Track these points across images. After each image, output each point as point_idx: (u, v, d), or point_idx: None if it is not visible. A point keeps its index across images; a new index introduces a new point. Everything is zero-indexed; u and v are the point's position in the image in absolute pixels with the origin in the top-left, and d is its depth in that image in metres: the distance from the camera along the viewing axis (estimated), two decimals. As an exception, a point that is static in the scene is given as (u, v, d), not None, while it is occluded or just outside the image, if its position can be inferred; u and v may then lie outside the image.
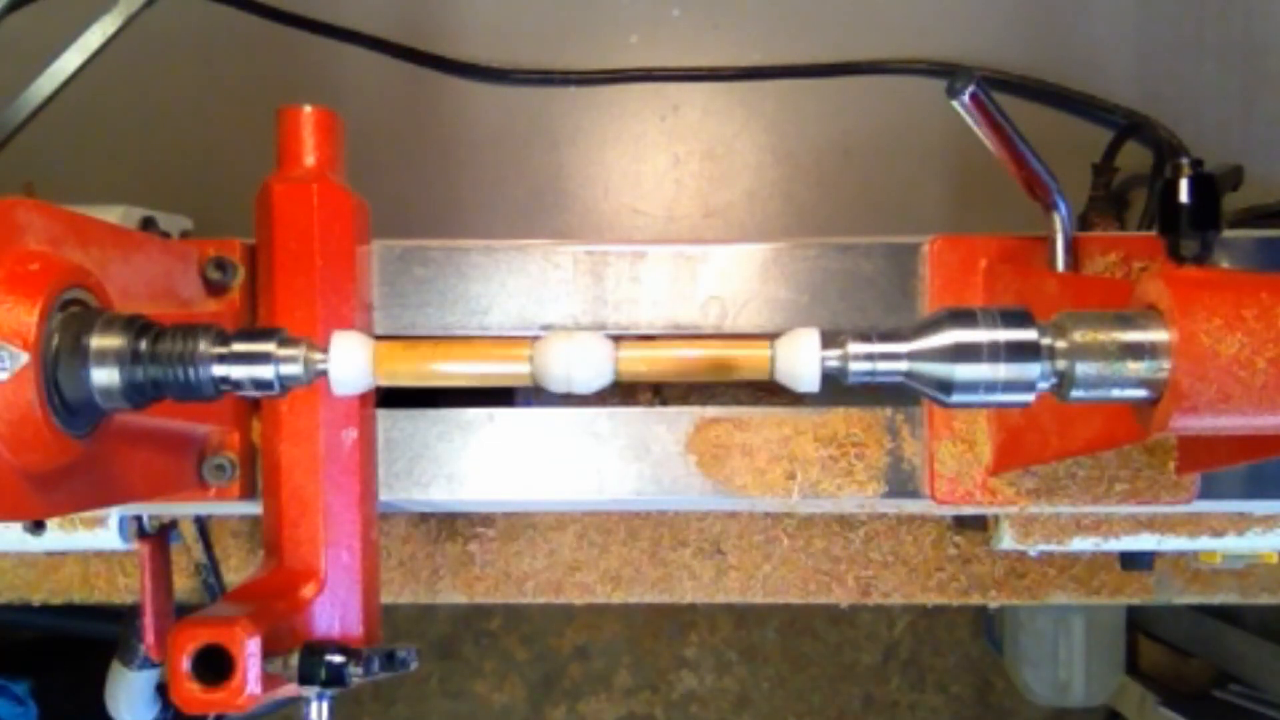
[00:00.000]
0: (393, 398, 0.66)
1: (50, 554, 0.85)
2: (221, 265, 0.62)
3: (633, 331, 0.65)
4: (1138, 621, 1.76)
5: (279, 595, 0.57)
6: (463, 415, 0.65)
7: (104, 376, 0.43)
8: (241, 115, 0.84)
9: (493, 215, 0.85)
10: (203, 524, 0.78)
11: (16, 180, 0.75)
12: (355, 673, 0.53)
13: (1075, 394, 0.43)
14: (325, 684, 0.53)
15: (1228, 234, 0.63)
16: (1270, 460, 0.48)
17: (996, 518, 0.74)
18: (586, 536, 0.85)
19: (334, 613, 0.59)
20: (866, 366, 0.44)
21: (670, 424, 0.65)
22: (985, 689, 1.95)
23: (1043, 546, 0.73)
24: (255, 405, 0.63)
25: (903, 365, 0.43)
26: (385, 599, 0.83)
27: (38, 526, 0.73)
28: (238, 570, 0.84)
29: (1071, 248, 0.62)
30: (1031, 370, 0.43)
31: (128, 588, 0.86)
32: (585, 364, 0.44)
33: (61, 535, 0.74)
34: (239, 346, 0.44)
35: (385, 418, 0.65)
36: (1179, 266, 0.60)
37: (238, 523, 0.84)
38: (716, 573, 0.84)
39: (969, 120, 0.56)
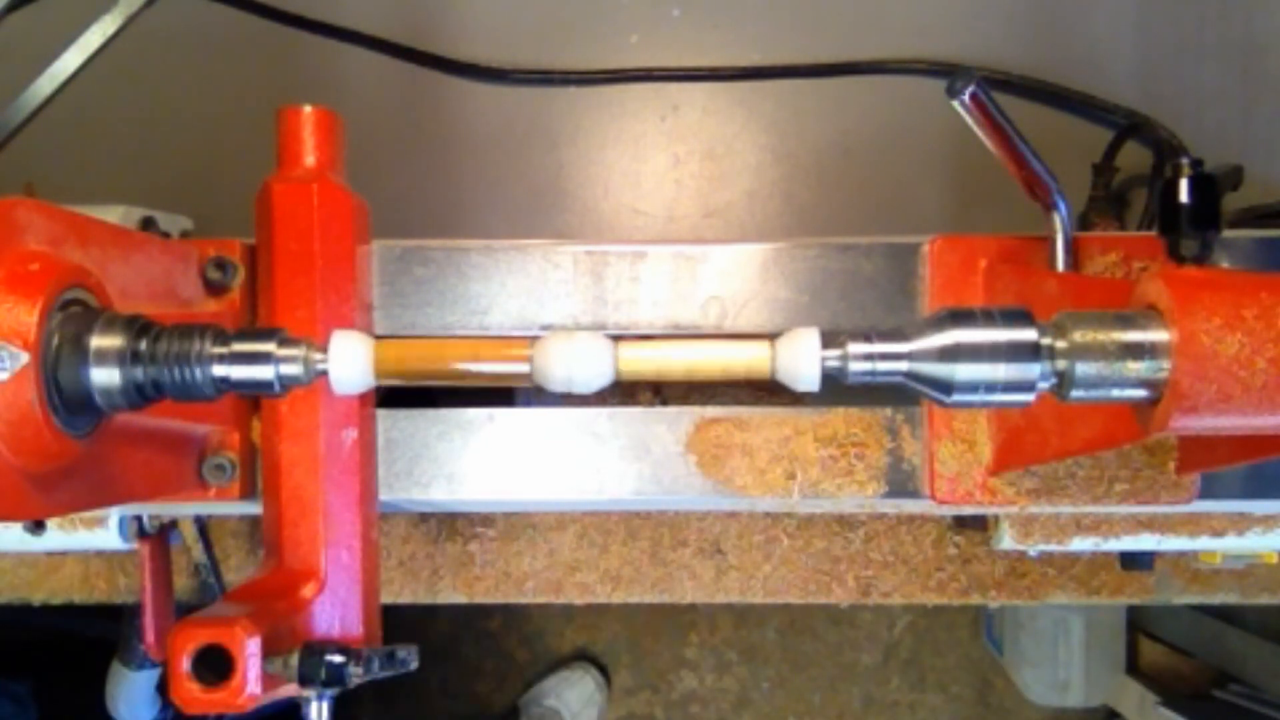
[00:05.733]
0: (393, 398, 0.66)
1: (50, 554, 0.85)
2: (221, 265, 0.63)
3: (633, 331, 0.65)
4: (1138, 621, 1.76)
5: (279, 595, 0.57)
6: (463, 415, 0.65)
7: (104, 376, 0.43)
8: (241, 115, 0.84)
9: (493, 215, 0.85)
10: (203, 524, 0.78)
11: (16, 180, 0.75)
12: (355, 673, 0.53)
13: (1075, 394, 0.43)
14: (325, 684, 0.53)
15: (1228, 234, 0.63)
16: (1270, 460, 0.48)
17: (996, 518, 0.74)
18: (586, 536, 0.85)
19: (334, 613, 0.59)
20: (866, 366, 0.44)
21: (670, 424, 0.65)
22: (985, 689, 1.95)
23: (1043, 546, 0.73)
24: (255, 405, 0.63)
25: (903, 365, 0.43)
26: (385, 599, 0.84)
27: (38, 526, 0.73)
28: (238, 570, 0.84)
29: (1071, 248, 0.62)
30: (1031, 370, 0.43)
31: (128, 588, 0.86)
32: (585, 364, 0.44)
33: (61, 535, 0.74)
34: (239, 346, 0.44)
35: (385, 418, 0.65)
36: (1179, 266, 0.60)
37: (238, 523, 0.84)
38: (716, 573, 0.84)
39: (969, 120, 0.56)
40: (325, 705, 0.53)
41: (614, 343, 0.45)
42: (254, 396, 0.63)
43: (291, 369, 0.44)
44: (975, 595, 0.85)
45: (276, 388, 0.44)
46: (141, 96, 0.86)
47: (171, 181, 0.84)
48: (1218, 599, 0.85)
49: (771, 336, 0.45)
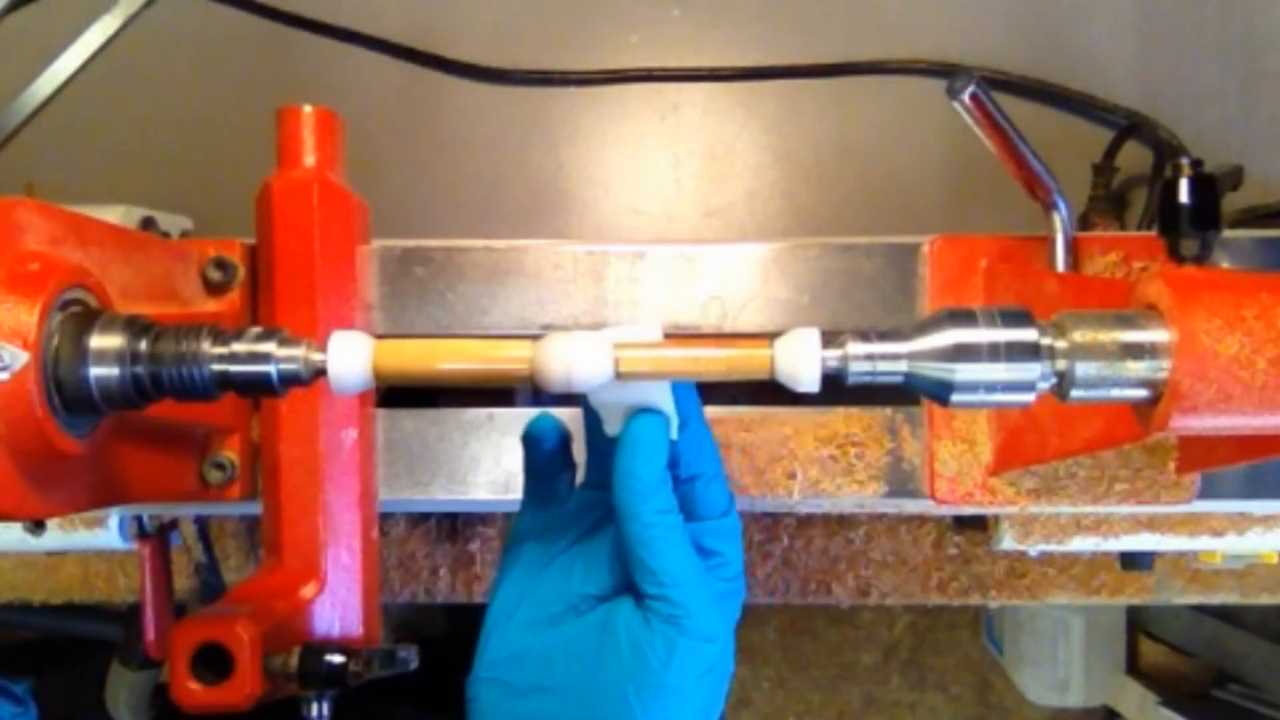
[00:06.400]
0: (393, 398, 0.66)
1: (50, 554, 0.85)
2: (221, 265, 0.63)
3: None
4: (1138, 621, 1.76)
5: (279, 595, 0.58)
6: (463, 415, 0.65)
7: (104, 376, 0.43)
8: (241, 115, 0.84)
9: (493, 215, 0.85)
10: (203, 524, 0.78)
11: (16, 180, 0.75)
12: (355, 672, 0.53)
13: (1075, 394, 0.43)
14: (325, 684, 0.53)
15: (1228, 234, 0.63)
16: (1270, 460, 0.48)
17: (996, 518, 0.74)
18: (586, 536, 0.85)
19: (334, 613, 0.59)
20: (866, 366, 0.44)
21: (670, 424, 0.65)
22: (985, 689, 1.95)
23: (1043, 546, 0.73)
24: (255, 405, 0.63)
25: (903, 365, 0.43)
26: (385, 599, 0.84)
27: (38, 526, 0.73)
28: (238, 570, 0.84)
29: (1071, 248, 0.62)
30: (1031, 370, 0.43)
31: (128, 588, 0.86)
32: (585, 364, 0.44)
33: (61, 535, 0.74)
34: (239, 346, 0.44)
35: (385, 418, 0.65)
36: (1179, 266, 0.60)
37: (238, 523, 0.84)
38: (716, 573, 0.84)
39: (969, 120, 0.57)
40: (325, 705, 0.53)
41: (614, 343, 0.45)
42: (254, 396, 0.63)
43: (291, 369, 0.44)
44: (975, 595, 0.85)
45: (277, 388, 0.44)
46: (141, 96, 0.86)
47: (171, 181, 0.84)
48: (1218, 599, 0.85)
49: (771, 336, 0.45)
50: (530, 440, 0.52)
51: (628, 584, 0.50)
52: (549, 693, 0.49)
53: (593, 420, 0.51)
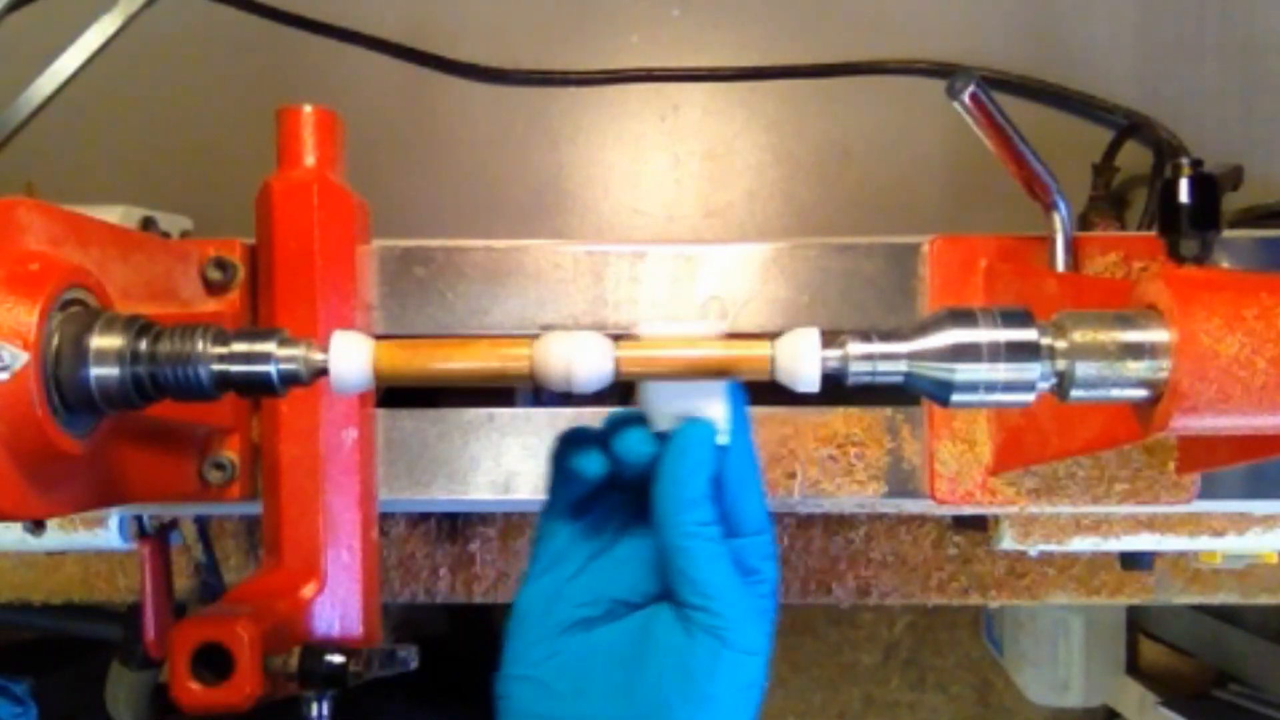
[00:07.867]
0: (393, 398, 0.66)
1: (50, 554, 0.85)
2: (221, 265, 0.63)
3: (633, 331, 0.65)
4: (1138, 621, 1.76)
5: (279, 595, 0.58)
6: (463, 415, 0.65)
7: (104, 376, 0.43)
8: (241, 115, 0.84)
9: (493, 215, 0.85)
10: (203, 524, 0.78)
11: (16, 180, 0.75)
12: (355, 672, 0.53)
13: (1075, 394, 0.43)
14: (325, 684, 0.53)
15: (1228, 234, 0.63)
16: (1270, 460, 0.48)
17: (996, 518, 0.74)
18: (586, 536, 0.85)
19: (334, 613, 0.59)
20: (866, 367, 0.44)
21: (670, 424, 0.65)
22: (985, 689, 1.95)
23: (1043, 546, 0.73)
24: (255, 405, 0.63)
25: (902, 365, 0.43)
26: (385, 599, 0.84)
27: (38, 526, 0.73)
28: (238, 570, 0.84)
29: (1071, 248, 0.62)
30: (1031, 370, 0.43)
31: (128, 588, 0.86)
32: (585, 364, 0.44)
33: (61, 535, 0.74)
34: (239, 346, 0.44)
35: (385, 418, 0.65)
36: (1179, 266, 0.60)
37: (238, 523, 0.84)
38: (716, 573, 0.83)
39: (969, 120, 0.57)
40: (325, 705, 0.53)
41: (614, 343, 0.45)
42: (254, 396, 0.63)
43: (291, 369, 0.44)
44: (975, 595, 0.85)
45: (277, 388, 0.44)
46: (141, 96, 0.86)
47: (171, 181, 0.84)
48: (1218, 599, 0.85)
49: (771, 336, 0.45)
50: (569, 446, 0.50)
51: (665, 591, 0.48)
52: (588, 697, 0.48)
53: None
